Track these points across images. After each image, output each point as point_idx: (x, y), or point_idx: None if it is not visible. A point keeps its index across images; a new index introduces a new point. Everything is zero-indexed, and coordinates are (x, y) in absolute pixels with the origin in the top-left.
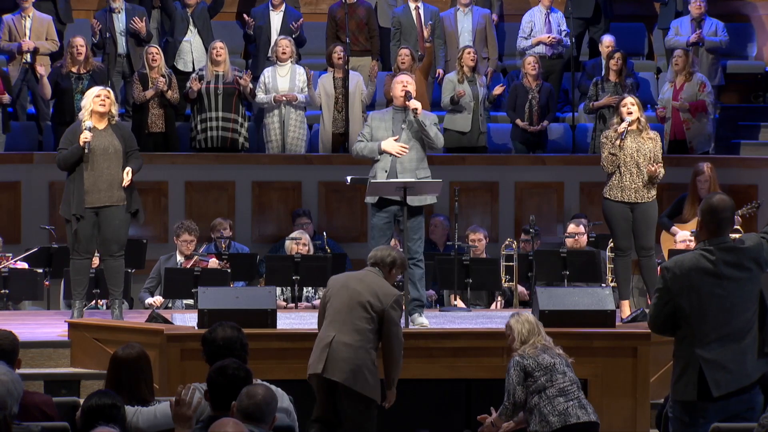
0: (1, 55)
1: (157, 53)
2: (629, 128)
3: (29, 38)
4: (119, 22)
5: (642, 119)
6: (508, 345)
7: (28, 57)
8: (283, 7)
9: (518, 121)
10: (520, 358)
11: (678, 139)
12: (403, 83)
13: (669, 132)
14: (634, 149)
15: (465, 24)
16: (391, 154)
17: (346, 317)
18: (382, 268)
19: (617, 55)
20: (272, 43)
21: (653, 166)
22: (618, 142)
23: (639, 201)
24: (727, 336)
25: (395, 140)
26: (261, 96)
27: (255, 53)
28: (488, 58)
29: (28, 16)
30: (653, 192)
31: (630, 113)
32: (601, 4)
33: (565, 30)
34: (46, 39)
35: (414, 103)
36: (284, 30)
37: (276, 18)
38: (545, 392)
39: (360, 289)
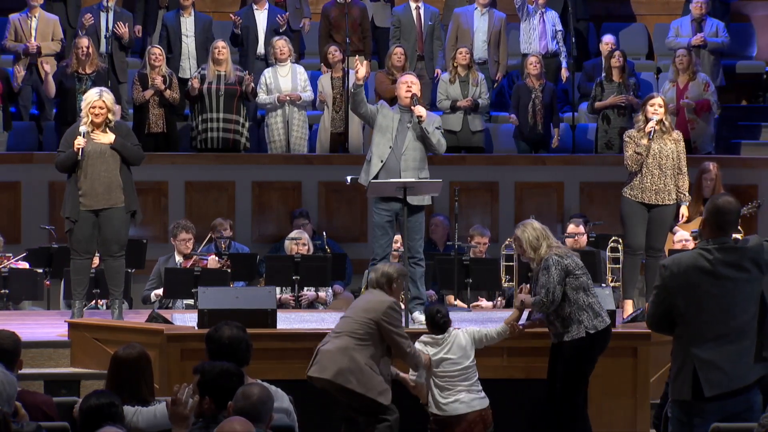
0: (7, 55)
1: (160, 54)
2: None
3: (35, 38)
4: (105, 21)
5: (667, 121)
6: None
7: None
8: (266, 5)
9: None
10: (559, 257)
11: (683, 138)
12: (408, 84)
13: None
14: (657, 150)
15: (481, 24)
16: (359, 82)
17: (340, 329)
18: (381, 288)
19: (617, 53)
20: (260, 42)
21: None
22: (645, 141)
23: (659, 203)
24: (723, 336)
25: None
26: (263, 97)
27: (244, 53)
28: (499, 63)
29: (35, 16)
30: (674, 195)
31: (656, 113)
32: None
33: (560, 30)
34: (52, 39)
35: (419, 110)
36: (270, 27)
37: (261, 16)
38: (590, 290)
39: (359, 305)
